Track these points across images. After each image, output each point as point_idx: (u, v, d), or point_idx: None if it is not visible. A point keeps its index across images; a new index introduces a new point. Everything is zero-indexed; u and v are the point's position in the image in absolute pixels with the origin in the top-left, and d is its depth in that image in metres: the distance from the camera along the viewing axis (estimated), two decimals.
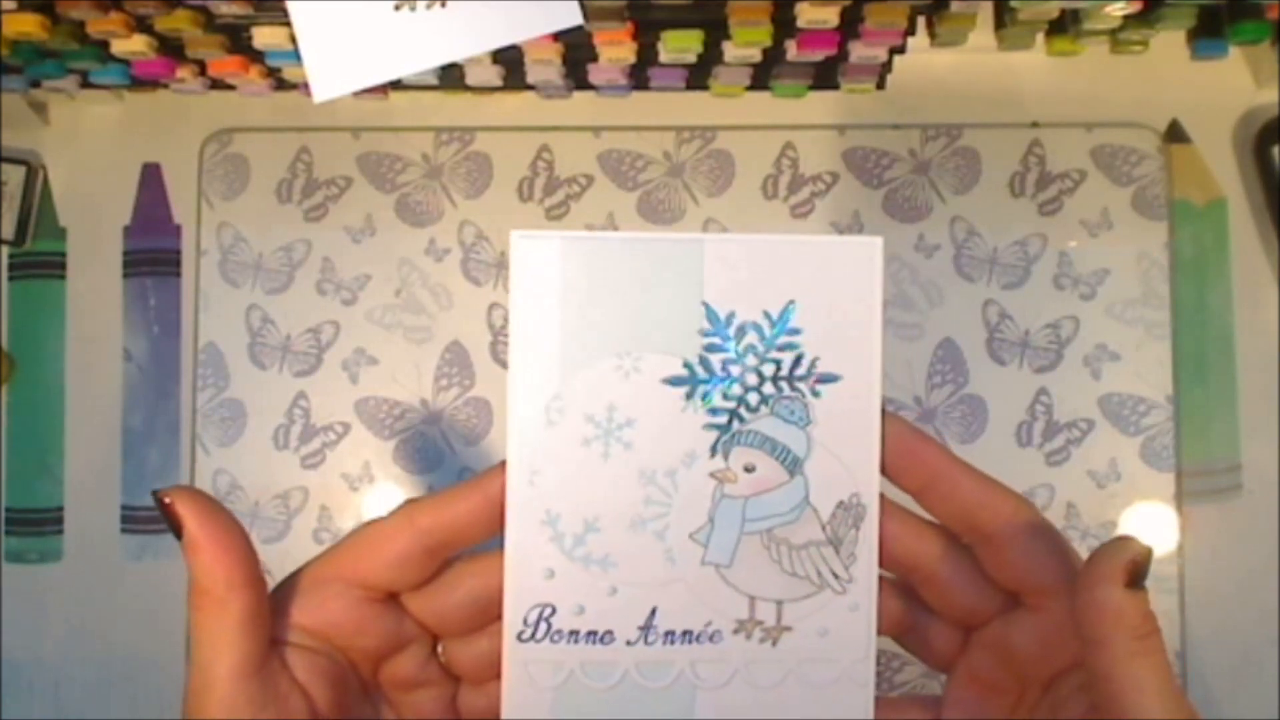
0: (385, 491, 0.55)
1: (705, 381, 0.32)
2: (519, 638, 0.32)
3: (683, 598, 0.32)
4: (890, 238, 0.55)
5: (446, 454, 0.56)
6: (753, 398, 0.32)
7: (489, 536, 0.32)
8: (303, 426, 0.56)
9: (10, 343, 0.57)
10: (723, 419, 0.32)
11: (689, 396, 0.32)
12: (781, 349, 0.32)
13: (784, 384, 0.32)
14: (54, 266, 0.57)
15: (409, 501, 0.32)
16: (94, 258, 0.57)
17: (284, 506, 0.55)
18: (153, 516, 0.56)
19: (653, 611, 0.32)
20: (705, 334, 0.32)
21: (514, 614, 0.32)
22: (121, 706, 0.55)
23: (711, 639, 0.32)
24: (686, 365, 0.32)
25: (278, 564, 0.55)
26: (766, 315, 0.32)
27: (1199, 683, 0.54)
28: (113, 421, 0.56)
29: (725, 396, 0.32)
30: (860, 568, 0.32)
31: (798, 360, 0.32)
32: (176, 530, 0.30)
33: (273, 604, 0.31)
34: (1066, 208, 0.56)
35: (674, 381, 0.32)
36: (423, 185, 0.57)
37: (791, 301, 0.32)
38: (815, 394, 0.32)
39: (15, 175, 0.56)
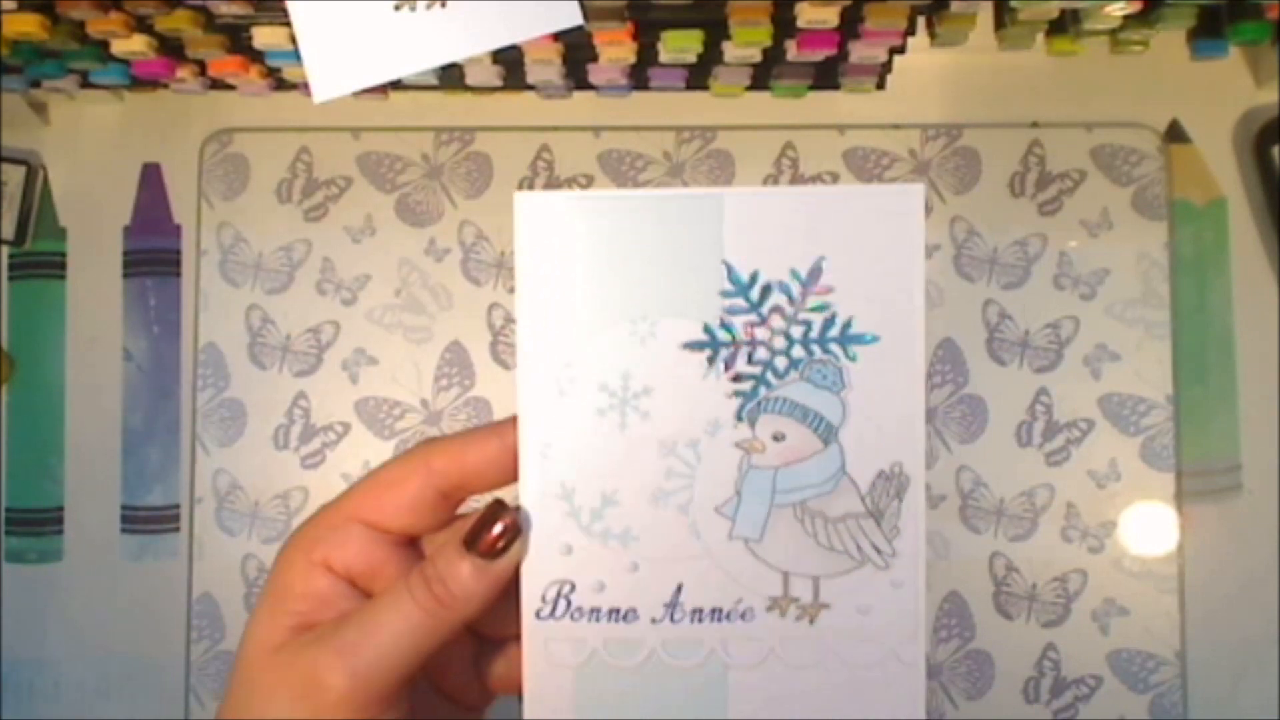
0: None
1: (727, 345, 0.30)
2: (537, 615, 0.30)
3: (710, 574, 0.30)
4: None
5: None
6: (780, 362, 0.30)
7: (504, 484, 0.31)
8: (303, 426, 0.56)
9: (10, 343, 0.57)
10: (748, 385, 0.30)
11: (710, 362, 0.30)
12: (811, 309, 0.30)
13: (815, 346, 0.30)
14: (54, 266, 0.57)
15: (426, 442, 0.31)
16: (94, 258, 0.57)
17: (284, 506, 0.55)
18: (153, 516, 0.56)
19: (678, 588, 0.30)
20: (726, 295, 0.30)
21: (531, 591, 0.30)
22: (121, 706, 0.55)
23: (743, 617, 0.30)
24: (707, 329, 0.30)
25: None
26: (794, 273, 0.30)
27: (1199, 683, 0.54)
28: (113, 421, 0.56)
29: (750, 361, 0.30)
30: (904, 541, 0.30)
31: (830, 321, 0.30)
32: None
33: (296, 546, 0.31)
34: (1066, 208, 0.56)
35: (694, 346, 0.30)
36: (423, 185, 0.57)
37: (822, 257, 0.30)
38: (850, 357, 0.30)
39: (15, 175, 0.56)
